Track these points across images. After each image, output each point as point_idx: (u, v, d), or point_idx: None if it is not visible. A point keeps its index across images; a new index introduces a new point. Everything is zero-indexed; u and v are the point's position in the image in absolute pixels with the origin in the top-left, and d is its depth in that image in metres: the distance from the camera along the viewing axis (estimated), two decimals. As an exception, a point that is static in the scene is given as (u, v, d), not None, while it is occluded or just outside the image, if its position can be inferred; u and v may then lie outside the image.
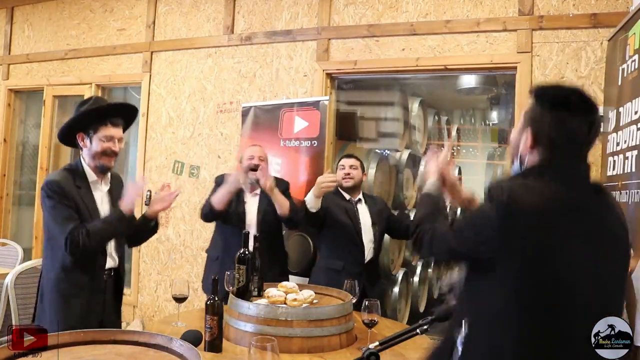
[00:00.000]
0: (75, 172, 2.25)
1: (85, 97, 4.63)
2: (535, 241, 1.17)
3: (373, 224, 3.02)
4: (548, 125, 1.26)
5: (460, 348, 1.26)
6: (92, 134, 2.22)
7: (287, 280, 2.78)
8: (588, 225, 1.22)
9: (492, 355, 1.22)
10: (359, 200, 3.09)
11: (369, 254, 2.99)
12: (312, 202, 2.90)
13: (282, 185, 3.08)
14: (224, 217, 2.94)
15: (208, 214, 2.91)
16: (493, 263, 1.20)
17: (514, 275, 1.18)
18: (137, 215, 2.37)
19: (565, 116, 1.25)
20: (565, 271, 1.17)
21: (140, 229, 2.43)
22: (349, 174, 3.04)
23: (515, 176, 1.33)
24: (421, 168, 4.47)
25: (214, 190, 3.00)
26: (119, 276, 2.39)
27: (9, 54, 5.19)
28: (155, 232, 2.52)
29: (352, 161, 3.08)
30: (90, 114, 2.22)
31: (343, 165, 3.08)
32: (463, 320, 1.27)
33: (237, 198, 2.96)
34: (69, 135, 2.27)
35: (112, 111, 2.28)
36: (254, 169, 2.94)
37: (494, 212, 1.21)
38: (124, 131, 2.34)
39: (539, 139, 1.28)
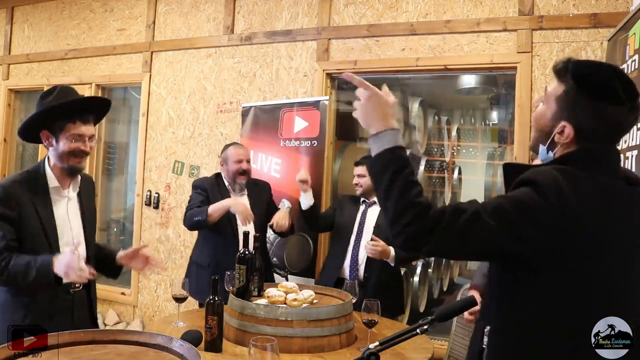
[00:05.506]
0: (34, 176, 1.92)
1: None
2: (591, 240, 1.10)
3: (377, 226, 2.96)
4: (590, 117, 1.15)
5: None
6: (58, 132, 1.89)
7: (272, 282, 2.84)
8: (629, 219, 1.16)
9: None
10: (374, 202, 3.05)
11: (362, 256, 2.94)
12: (302, 199, 3.09)
13: (266, 188, 3.17)
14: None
15: (202, 223, 2.76)
16: (540, 260, 1.09)
17: (563, 275, 1.10)
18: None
19: (608, 107, 1.14)
20: (615, 270, 1.13)
21: (103, 262, 2.07)
22: (357, 183, 3.06)
23: (553, 164, 1.19)
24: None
25: (195, 196, 2.93)
26: (92, 289, 2.05)
27: (9, 54, 5.19)
28: (114, 277, 2.16)
29: (359, 169, 3.05)
30: (57, 110, 1.88)
31: (354, 175, 3.11)
32: (486, 329, 1.19)
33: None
34: (31, 132, 1.94)
35: (82, 106, 1.94)
36: (244, 173, 2.98)
37: (547, 200, 1.07)
38: (94, 124, 2.02)
39: (579, 131, 1.17)
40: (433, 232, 1.07)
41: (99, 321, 2.11)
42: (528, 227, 1.08)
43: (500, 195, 1.18)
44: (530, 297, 1.13)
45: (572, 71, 1.18)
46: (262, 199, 3.11)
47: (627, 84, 1.17)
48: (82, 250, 1.94)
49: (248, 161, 3.03)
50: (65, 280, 1.74)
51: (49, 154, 1.96)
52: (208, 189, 2.96)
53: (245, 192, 3.03)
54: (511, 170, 1.24)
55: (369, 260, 2.90)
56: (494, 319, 1.20)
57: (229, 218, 2.86)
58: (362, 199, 3.10)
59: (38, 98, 1.97)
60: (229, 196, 2.95)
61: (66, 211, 1.97)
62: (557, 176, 1.11)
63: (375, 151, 1.18)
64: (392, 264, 2.83)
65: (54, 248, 1.88)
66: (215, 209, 2.76)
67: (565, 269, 1.10)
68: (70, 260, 1.69)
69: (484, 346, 1.19)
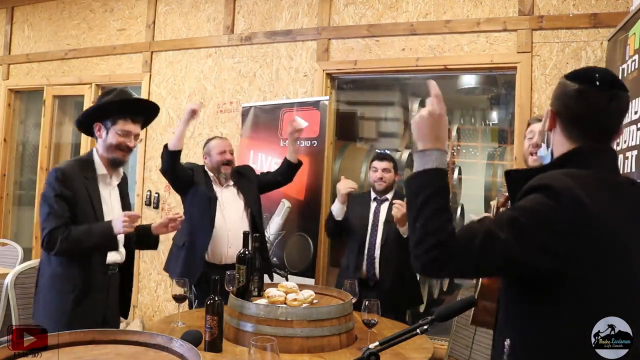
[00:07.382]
0: (85, 162, 2.20)
1: (86, 97, 4.68)
2: (610, 240, 1.08)
3: (386, 221, 2.94)
4: (572, 99, 1.19)
5: None
6: (109, 125, 2.16)
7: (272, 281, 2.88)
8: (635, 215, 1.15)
9: None
10: (385, 199, 3.05)
11: (377, 253, 2.94)
12: (338, 210, 3.01)
13: (251, 173, 3.20)
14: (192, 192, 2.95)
15: (165, 155, 2.88)
16: (562, 274, 1.06)
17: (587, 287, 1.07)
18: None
19: (584, 89, 1.18)
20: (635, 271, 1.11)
21: (140, 238, 2.31)
22: (381, 177, 3.02)
23: (554, 167, 1.19)
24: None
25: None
26: (127, 272, 2.30)
27: (9, 54, 5.19)
28: (154, 248, 2.44)
29: (384, 164, 3.04)
30: (112, 106, 2.16)
31: (376, 168, 3.05)
32: (506, 342, 1.15)
33: (206, 191, 2.96)
34: (86, 124, 2.22)
35: (134, 106, 2.24)
36: (228, 164, 3.01)
37: (561, 204, 1.06)
38: (142, 128, 2.31)
39: (559, 114, 1.22)
40: (453, 258, 1.06)
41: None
42: (546, 235, 1.06)
43: (512, 206, 1.15)
44: (553, 308, 1.10)
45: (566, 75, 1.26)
46: (251, 185, 3.13)
47: (605, 74, 1.21)
48: (121, 237, 2.19)
49: (231, 152, 3.07)
50: (119, 234, 2.06)
51: (97, 145, 2.23)
52: (194, 168, 3.05)
53: (231, 182, 3.06)
54: (515, 178, 1.23)
55: (383, 257, 2.92)
56: (512, 333, 1.17)
57: (208, 200, 2.94)
58: (374, 196, 3.08)
59: (98, 98, 2.33)
60: (212, 186, 3.01)
61: (109, 197, 2.24)
62: (567, 179, 1.10)
63: (418, 168, 1.15)
64: (405, 236, 2.80)
65: None
66: (173, 139, 2.90)
67: (589, 274, 1.08)
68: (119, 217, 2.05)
69: (505, 358, 1.16)
